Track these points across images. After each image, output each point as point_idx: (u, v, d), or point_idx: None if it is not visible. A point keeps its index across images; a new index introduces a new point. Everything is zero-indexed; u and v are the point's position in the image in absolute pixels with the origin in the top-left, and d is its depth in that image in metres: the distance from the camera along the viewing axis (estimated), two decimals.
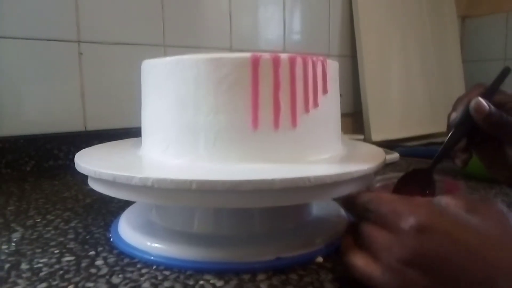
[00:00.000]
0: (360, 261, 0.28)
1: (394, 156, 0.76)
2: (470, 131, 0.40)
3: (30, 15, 0.66)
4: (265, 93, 0.34)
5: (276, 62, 0.34)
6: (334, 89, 0.39)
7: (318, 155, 0.37)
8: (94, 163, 0.35)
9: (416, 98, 1.16)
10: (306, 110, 0.35)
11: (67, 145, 0.69)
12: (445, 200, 0.29)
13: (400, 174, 0.46)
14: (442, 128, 1.32)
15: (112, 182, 0.32)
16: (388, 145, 0.90)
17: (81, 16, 0.70)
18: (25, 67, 0.67)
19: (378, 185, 0.45)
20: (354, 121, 1.07)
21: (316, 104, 0.36)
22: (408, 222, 0.26)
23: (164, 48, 0.79)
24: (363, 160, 0.38)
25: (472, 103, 0.39)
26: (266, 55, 0.34)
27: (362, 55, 1.04)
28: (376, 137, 1.01)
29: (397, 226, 0.26)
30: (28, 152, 0.67)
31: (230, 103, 0.34)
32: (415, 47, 1.17)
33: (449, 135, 0.41)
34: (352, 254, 0.29)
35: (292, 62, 0.34)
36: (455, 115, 0.41)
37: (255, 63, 0.33)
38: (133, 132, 0.63)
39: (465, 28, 1.42)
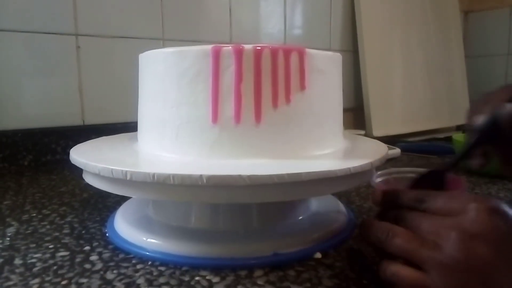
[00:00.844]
0: (406, 271, 0.26)
1: (396, 151, 0.75)
2: (495, 136, 0.38)
3: (28, 8, 0.65)
4: (226, 86, 0.32)
5: (238, 53, 0.32)
6: (327, 83, 0.37)
7: (296, 152, 0.34)
8: (87, 156, 0.35)
9: (418, 94, 1.15)
10: (274, 105, 0.33)
11: (65, 139, 0.69)
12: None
13: (401, 169, 0.45)
14: (444, 123, 1.31)
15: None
16: (389, 140, 0.89)
17: (79, 9, 0.69)
18: (23, 61, 0.66)
19: (378, 180, 0.44)
20: (355, 116, 1.06)
21: (288, 100, 0.33)
22: (474, 205, 0.26)
23: (163, 41, 0.78)
24: (336, 160, 0.36)
25: (504, 113, 0.36)
26: (228, 46, 0.32)
27: (364, 50, 1.03)
28: (377, 132, 1.00)
29: (462, 209, 0.27)
30: (25, 146, 0.66)
31: (191, 96, 0.33)
32: (417, 42, 1.16)
33: (474, 140, 0.38)
34: (397, 267, 0.27)
35: (257, 53, 0.32)
36: (481, 120, 0.38)
37: (216, 54, 0.32)
38: (131, 127, 0.62)
39: (468, 23, 1.41)
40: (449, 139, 0.96)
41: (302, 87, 0.34)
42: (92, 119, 0.72)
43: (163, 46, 0.78)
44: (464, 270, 0.24)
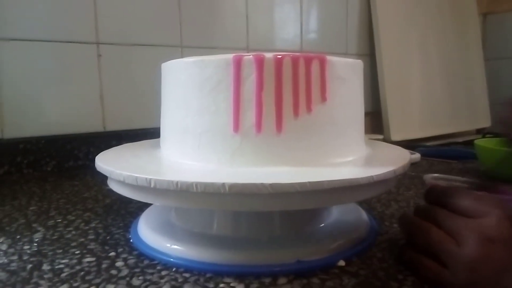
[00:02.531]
0: (430, 263, 0.30)
1: (416, 156, 0.74)
2: None
3: (50, 17, 0.67)
4: (247, 95, 0.33)
5: (259, 62, 0.32)
6: (348, 91, 0.36)
7: (318, 160, 0.34)
8: (112, 164, 0.36)
9: (437, 97, 1.14)
10: (295, 114, 0.33)
11: (86, 145, 0.70)
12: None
13: (448, 177, 0.46)
14: (463, 127, 1.29)
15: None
16: (408, 145, 0.88)
17: (100, 18, 0.71)
18: (45, 69, 0.68)
19: (429, 180, 0.45)
20: (373, 120, 1.06)
21: (309, 109, 0.33)
22: (497, 211, 0.28)
23: (181, 49, 0.79)
24: (359, 167, 0.36)
25: None
26: (250, 55, 0.33)
27: (381, 53, 1.03)
28: (395, 136, 1.00)
29: (485, 213, 0.29)
30: (49, 152, 0.68)
31: (212, 104, 0.34)
32: (435, 45, 1.15)
33: None
34: (422, 257, 0.31)
35: (278, 62, 0.32)
36: None
37: (237, 63, 0.32)
38: (151, 133, 0.64)
39: (486, 25, 1.39)
40: (468, 143, 0.95)
41: (323, 96, 0.34)
42: (113, 126, 0.74)
43: (181, 53, 0.79)
44: (479, 269, 0.27)
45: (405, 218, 0.34)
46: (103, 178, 0.37)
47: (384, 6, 1.04)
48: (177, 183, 0.29)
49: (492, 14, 1.37)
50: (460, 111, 1.20)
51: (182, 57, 0.75)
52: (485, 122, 1.28)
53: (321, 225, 0.38)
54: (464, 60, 1.24)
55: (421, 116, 1.09)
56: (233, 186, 0.28)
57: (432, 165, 0.75)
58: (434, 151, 0.85)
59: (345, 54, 1.05)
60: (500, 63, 1.34)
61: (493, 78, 1.31)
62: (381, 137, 0.92)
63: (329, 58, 0.35)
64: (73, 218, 0.45)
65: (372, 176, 0.31)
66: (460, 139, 1.07)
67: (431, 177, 0.48)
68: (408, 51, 1.09)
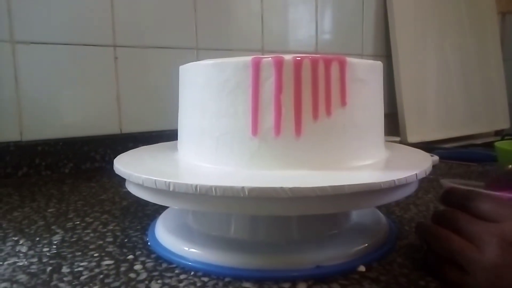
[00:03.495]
0: (451, 271, 0.30)
1: (434, 159, 0.73)
2: None
3: (68, 21, 0.68)
4: (266, 97, 0.32)
5: (278, 64, 0.32)
6: (368, 93, 0.36)
7: (337, 163, 0.33)
8: (130, 167, 0.36)
9: (454, 98, 1.12)
10: (315, 117, 0.33)
11: (103, 147, 0.71)
12: None
13: (466, 182, 0.45)
14: (482, 129, 1.27)
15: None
16: (425, 147, 0.87)
17: (117, 21, 0.71)
18: (63, 72, 0.68)
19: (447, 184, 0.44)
20: (389, 122, 1.04)
21: (328, 112, 0.33)
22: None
23: (197, 51, 0.79)
24: (379, 171, 0.35)
25: None
26: (268, 57, 0.32)
27: (397, 54, 1.01)
28: (412, 138, 0.98)
29: (507, 217, 0.28)
30: (66, 154, 0.68)
31: (231, 107, 0.33)
32: (452, 45, 1.13)
33: None
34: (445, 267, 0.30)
35: (297, 64, 0.32)
36: None
37: (256, 66, 0.32)
38: (166, 135, 0.64)
39: (505, 25, 1.36)
40: (487, 145, 0.93)
41: (343, 99, 0.34)
42: (129, 128, 0.74)
43: (197, 56, 0.79)
44: (501, 275, 0.26)
45: (421, 227, 0.34)
46: (120, 180, 0.37)
47: (401, 6, 1.03)
48: (196, 186, 0.29)
49: (510, 14, 1.35)
50: (478, 112, 1.18)
51: (197, 59, 0.76)
52: (504, 123, 1.26)
53: (340, 230, 0.37)
54: (482, 60, 1.22)
55: (438, 117, 1.07)
56: (252, 190, 0.28)
57: (451, 168, 0.73)
58: (452, 153, 0.83)
59: (361, 55, 1.04)
60: None
61: None
62: (397, 139, 0.91)
63: (349, 59, 0.34)
64: (91, 220, 0.45)
65: (393, 180, 0.30)
66: (478, 141, 1.05)
67: (448, 181, 0.47)
68: (425, 52, 1.07)
